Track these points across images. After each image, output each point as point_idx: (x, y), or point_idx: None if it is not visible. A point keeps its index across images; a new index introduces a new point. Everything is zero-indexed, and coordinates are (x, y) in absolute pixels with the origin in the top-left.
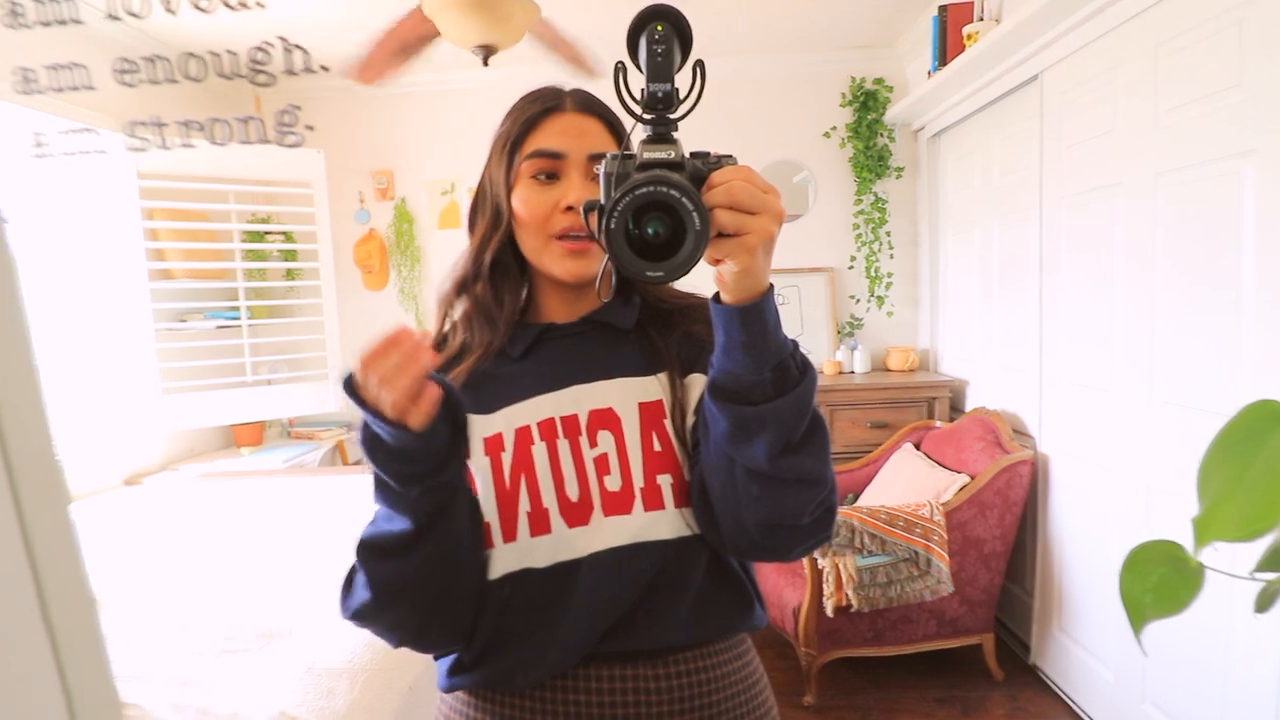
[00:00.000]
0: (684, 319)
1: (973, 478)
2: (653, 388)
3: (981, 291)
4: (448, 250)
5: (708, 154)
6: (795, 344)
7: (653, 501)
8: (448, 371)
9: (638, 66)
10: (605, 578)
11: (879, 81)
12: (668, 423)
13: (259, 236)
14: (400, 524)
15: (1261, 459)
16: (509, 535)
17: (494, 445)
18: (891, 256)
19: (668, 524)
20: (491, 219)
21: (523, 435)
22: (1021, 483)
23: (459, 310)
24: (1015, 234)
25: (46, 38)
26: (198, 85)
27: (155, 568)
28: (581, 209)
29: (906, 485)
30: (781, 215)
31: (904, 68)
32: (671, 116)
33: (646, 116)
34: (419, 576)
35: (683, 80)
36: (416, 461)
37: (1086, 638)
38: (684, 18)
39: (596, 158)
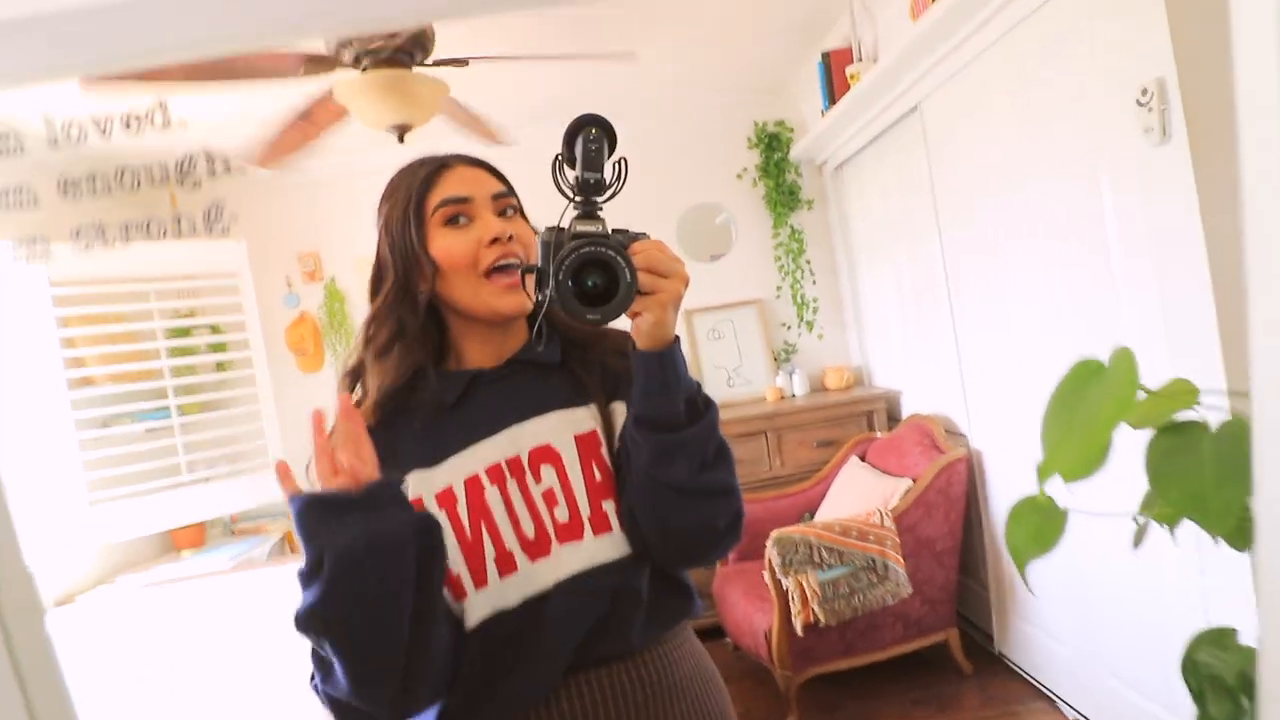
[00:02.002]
0: (598, 350)
1: (915, 480)
2: (585, 420)
3: (898, 307)
4: None
5: (626, 230)
6: (698, 384)
7: (600, 526)
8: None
9: (570, 161)
10: (570, 603)
11: (780, 123)
12: (604, 451)
13: (184, 332)
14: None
15: (1083, 406)
16: (479, 581)
17: (446, 499)
18: (814, 283)
19: (615, 545)
20: (402, 280)
21: (473, 485)
22: (960, 479)
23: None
24: (919, 252)
25: None
26: (110, 194)
27: (100, 688)
28: (520, 272)
29: (857, 496)
30: (687, 280)
31: (800, 107)
32: (599, 200)
33: (579, 199)
34: (404, 664)
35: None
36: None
37: (1042, 620)
38: (611, 125)
39: (499, 196)
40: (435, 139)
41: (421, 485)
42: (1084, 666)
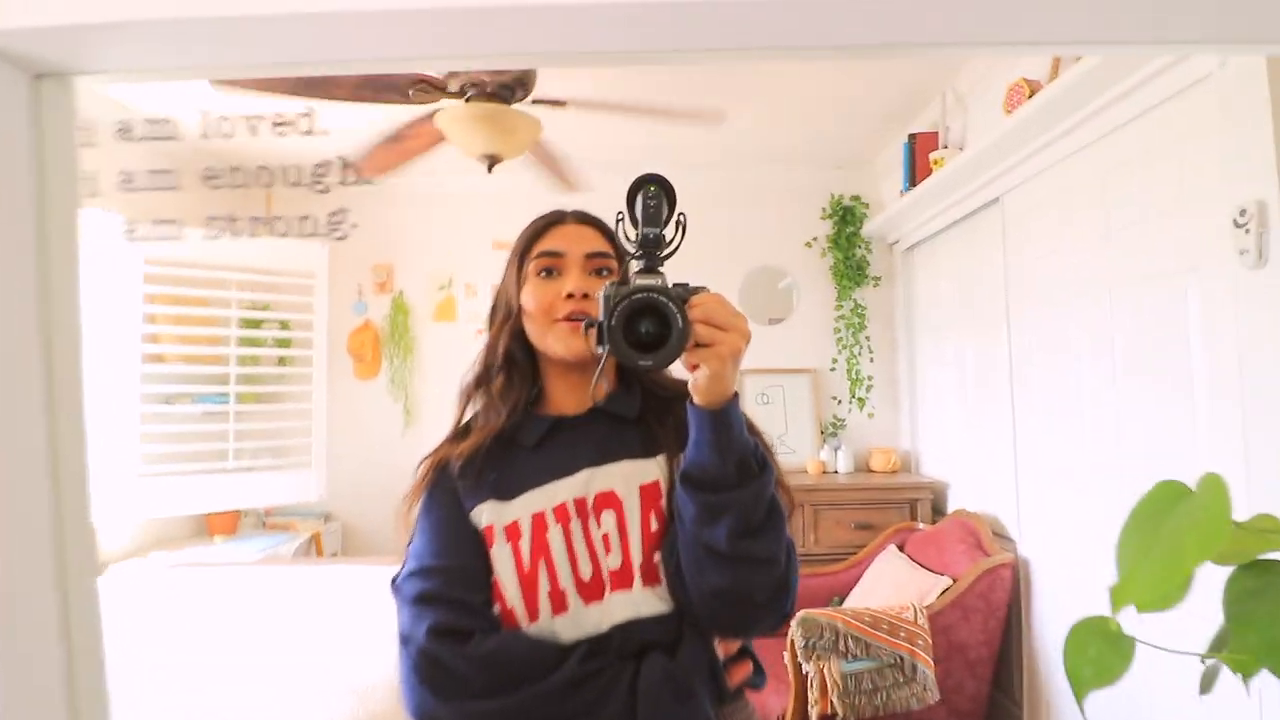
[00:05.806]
0: (680, 406)
1: (955, 580)
2: (651, 470)
3: (957, 396)
4: (442, 342)
5: (687, 284)
6: (757, 444)
7: (650, 577)
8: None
9: (633, 218)
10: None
11: (856, 198)
12: (664, 502)
13: (255, 324)
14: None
15: (1165, 533)
16: (532, 616)
17: (512, 533)
18: (872, 360)
19: (662, 598)
20: (504, 315)
21: (538, 521)
22: (1004, 586)
23: (479, 402)
24: (985, 342)
25: (147, 149)
26: (212, 189)
27: (122, 655)
28: (583, 325)
29: (891, 587)
30: (748, 335)
31: (879, 186)
32: (659, 254)
33: (639, 254)
34: None
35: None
36: None
37: None
38: (670, 183)
39: (593, 255)
40: (511, 173)
41: (494, 516)
42: None
